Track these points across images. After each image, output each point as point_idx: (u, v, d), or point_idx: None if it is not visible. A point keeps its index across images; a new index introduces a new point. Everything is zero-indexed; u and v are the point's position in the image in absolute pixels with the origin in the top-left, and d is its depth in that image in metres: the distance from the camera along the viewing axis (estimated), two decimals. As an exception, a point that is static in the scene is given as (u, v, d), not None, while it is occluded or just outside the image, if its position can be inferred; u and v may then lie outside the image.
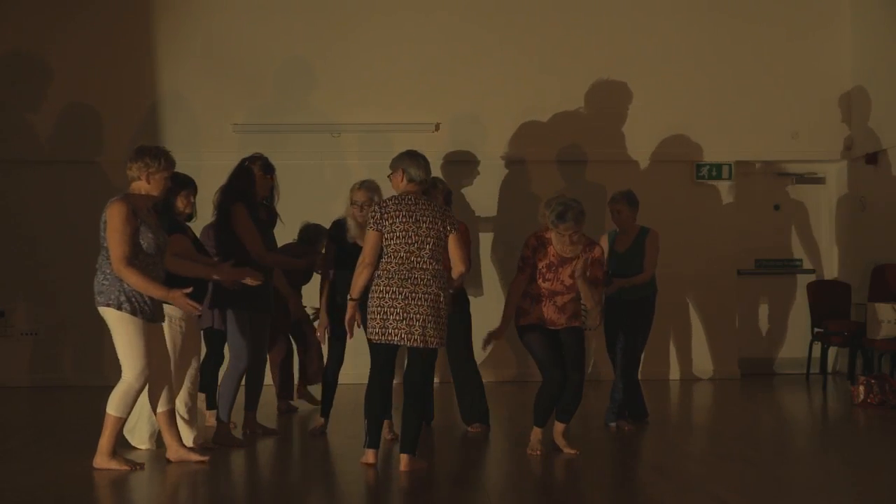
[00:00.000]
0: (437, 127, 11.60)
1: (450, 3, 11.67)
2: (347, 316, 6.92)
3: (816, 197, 12.27)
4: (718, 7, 11.86)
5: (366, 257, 6.81)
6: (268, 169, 7.90)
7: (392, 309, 6.69)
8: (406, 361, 6.98)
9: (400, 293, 6.69)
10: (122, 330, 6.69)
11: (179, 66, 11.51)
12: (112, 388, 6.77)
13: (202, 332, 8.81)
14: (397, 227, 6.74)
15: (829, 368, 11.76)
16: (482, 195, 11.56)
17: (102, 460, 6.76)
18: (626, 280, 8.53)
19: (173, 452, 7.02)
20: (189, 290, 6.75)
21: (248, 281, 7.36)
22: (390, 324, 6.70)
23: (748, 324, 12.03)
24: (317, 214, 9.71)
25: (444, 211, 6.89)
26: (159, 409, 6.98)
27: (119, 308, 6.67)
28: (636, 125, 11.73)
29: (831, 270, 12.14)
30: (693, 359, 11.80)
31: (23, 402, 10.52)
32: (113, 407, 6.72)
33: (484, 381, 8.52)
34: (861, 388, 9.66)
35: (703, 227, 11.76)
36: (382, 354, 6.86)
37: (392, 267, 6.73)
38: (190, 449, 7.11)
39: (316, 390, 9.62)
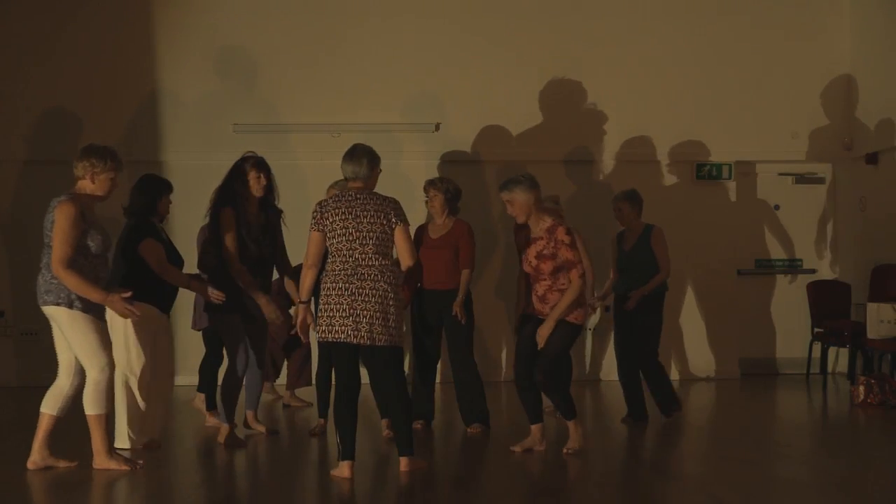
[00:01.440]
0: (437, 127, 11.60)
1: (450, 5, 11.66)
2: (298, 320, 6.74)
3: (816, 197, 12.26)
4: (719, 8, 11.85)
5: (308, 258, 6.69)
6: (261, 167, 7.77)
7: (338, 306, 6.53)
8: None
9: (346, 290, 6.53)
10: (77, 328, 6.61)
11: (179, 66, 11.50)
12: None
13: (201, 333, 8.82)
14: (337, 224, 6.60)
15: (829, 368, 11.75)
16: (482, 195, 11.55)
17: (101, 460, 6.75)
18: (645, 287, 8.57)
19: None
20: (128, 294, 6.63)
21: (212, 297, 7.39)
22: (336, 321, 6.53)
23: (748, 324, 12.01)
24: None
25: (390, 205, 6.68)
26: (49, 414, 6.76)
27: (70, 307, 6.59)
28: (637, 126, 11.71)
29: (831, 270, 12.14)
30: (693, 359, 11.79)
31: (22, 401, 10.51)
32: (89, 407, 6.68)
33: (484, 381, 8.51)
34: (861, 388, 9.65)
35: (703, 227, 11.75)
36: (340, 356, 6.65)
37: (337, 266, 6.59)
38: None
39: (307, 393, 9.61)
